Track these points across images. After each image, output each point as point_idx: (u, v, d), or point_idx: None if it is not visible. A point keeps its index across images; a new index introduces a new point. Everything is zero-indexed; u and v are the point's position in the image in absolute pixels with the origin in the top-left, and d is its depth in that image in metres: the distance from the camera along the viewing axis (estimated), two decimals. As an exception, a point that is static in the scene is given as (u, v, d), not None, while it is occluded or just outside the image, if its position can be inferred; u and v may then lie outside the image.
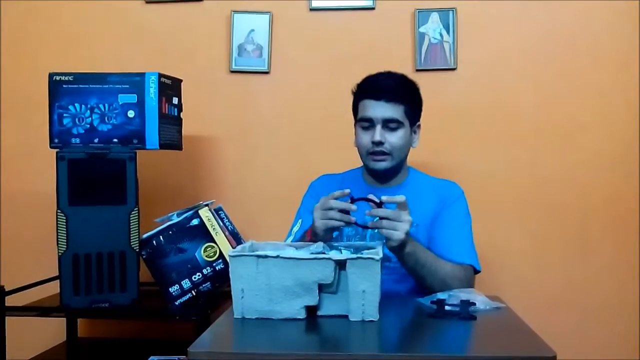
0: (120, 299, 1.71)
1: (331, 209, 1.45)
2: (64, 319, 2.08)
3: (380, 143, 1.63)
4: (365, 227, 1.48)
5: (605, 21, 2.16)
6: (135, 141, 1.75)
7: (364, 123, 1.66)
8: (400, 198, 1.43)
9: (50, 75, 1.76)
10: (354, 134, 1.72)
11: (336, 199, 1.46)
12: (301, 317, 1.27)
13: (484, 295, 1.44)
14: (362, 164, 1.73)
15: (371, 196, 1.45)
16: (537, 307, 2.04)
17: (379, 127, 1.63)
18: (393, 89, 1.65)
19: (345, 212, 1.45)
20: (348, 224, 1.47)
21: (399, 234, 1.41)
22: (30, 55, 2.28)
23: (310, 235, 1.53)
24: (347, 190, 1.47)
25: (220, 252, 1.72)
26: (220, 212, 1.81)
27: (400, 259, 1.51)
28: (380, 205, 1.44)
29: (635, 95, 2.14)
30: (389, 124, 1.63)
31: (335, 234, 1.61)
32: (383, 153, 1.64)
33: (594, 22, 2.16)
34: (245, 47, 2.22)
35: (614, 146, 2.15)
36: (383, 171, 1.67)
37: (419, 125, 1.73)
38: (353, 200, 1.46)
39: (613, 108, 2.16)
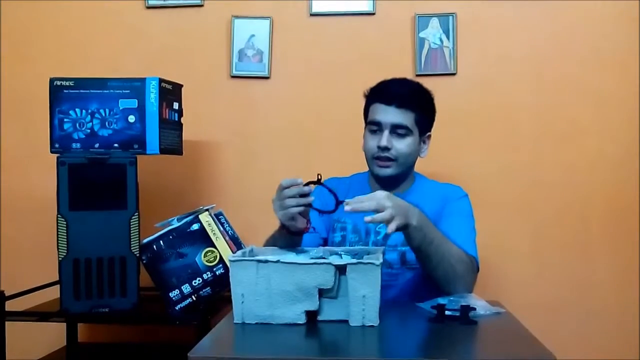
0: (120, 303, 1.71)
1: (286, 197, 1.41)
2: (64, 323, 2.08)
3: (386, 148, 1.62)
4: (323, 212, 1.42)
5: (605, 24, 2.16)
6: (135, 146, 1.76)
7: (373, 127, 1.66)
8: (354, 203, 1.34)
9: (51, 80, 1.76)
10: (361, 138, 1.72)
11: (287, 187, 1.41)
12: (301, 322, 1.27)
13: (484, 300, 1.44)
14: (367, 168, 1.73)
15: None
16: (537, 311, 2.04)
17: (386, 132, 1.62)
18: (405, 96, 1.64)
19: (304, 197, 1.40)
20: (306, 206, 1.40)
21: (392, 225, 1.32)
22: (31, 60, 2.28)
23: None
24: (299, 180, 1.41)
25: (221, 256, 1.72)
26: (220, 216, 1.81)
27: (407, 236, 1.44)
28: (337, 204, 1.39)
29: (635, 98, 2.14)
30: (398, 130, 1.63)
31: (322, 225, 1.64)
32: (388, 159, 1.63)
33: (593, 26, 2.17)
34: (245, 52, 2.23)
35: (614, 149, 2.15)
36: (387, 178, 1.66)
37: (429, 136, 1.72)
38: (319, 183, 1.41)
39: (613, 111, 2.16)
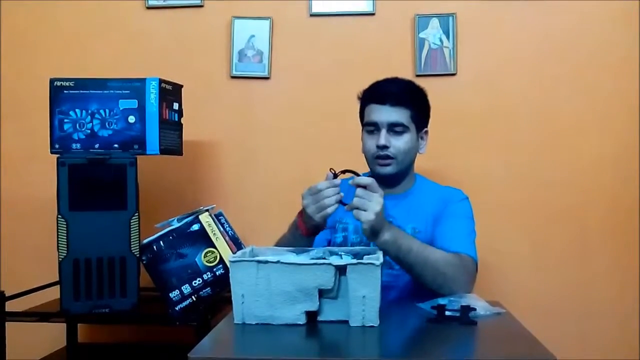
0: (120, 304, 1.71)
1: (324, 198, 1.44)
2: (64, 324, 2.08)
3: (385, 147, 1.63)
4: (344, 204, 1.46)
5: (605, 25, 2.16)
6: (135, 146, 1.76)
7: (370, 127, 1.67)
8: (368, 180, 1.43)
9: (51, 81, 1.76)
10: (360, 140, 1.72)
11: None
12: (301, 323, 1.27)
13: (484, 300, 1.44)
14: (368, 170, 1.73)
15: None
16: (537, 312, 2.04)
17: (384, 132, 1.63)
18: (398, 94, 1.65)
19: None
20: (341, 203, 1.46)
21: (366, 215, 1.39)
22: (31, 60, 2.28)
23: (302, 224, 1.52)
24: (337, 181, 1.46)
25: (221, 257, 1.72)
26: (220, 217, 1.81)
27: (382, 249, 1.45)
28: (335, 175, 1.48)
29: (636, 99, 2.14)
30: (395, 128, 1.64)
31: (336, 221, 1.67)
32: (388, 157, 1.64)
33: (593, 26, 2.17)
34: (245, 52, 2.23)
35: (614, 150, 2.15)
36: (388, 176, 1.66)
37: (426, 131, 1.73)
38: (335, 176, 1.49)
39: (613, 112, 2.16)
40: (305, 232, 1.52)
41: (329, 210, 1.45)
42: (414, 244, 1.48)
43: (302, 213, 1.51)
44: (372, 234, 1.43)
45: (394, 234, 1.46)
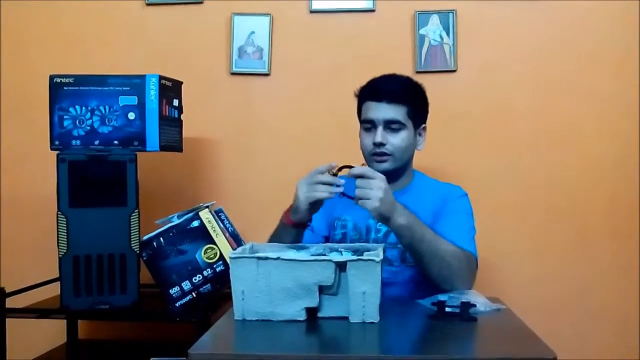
0: (120, 300, 1.71)
1: (317, 183, 1.47)
2: (64, 320, 2.07)
3: (381, 144, 1.63)
4: (350, 198, 1.47)
5: (605, 24, 2.16)
6: (135, 143, 1.76)
7: (367, 125, 1.67)
8: (361, 169, 1.45)
9: (51, 78, 1.76)
10: (358, 137, 1.72)
11: (322, 173, 1.49)
12: (301, 319, 1.27)
13: (485, 297, 1.44)
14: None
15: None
16: (537, 309, 2.04)
17: (380, 129, 1.63)
18: (395, 91, 1.65)
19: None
20: (332, 194, 1.47)
21: (370, 203, 1.41)
22: (31, 57, 2.28)
23: (288, 215, 1.55)
24: (334, 164, 1.48)
25: (221, 253, 1.72)
26: (220, 213, 1.81)
27: (395, 233, 1.49)
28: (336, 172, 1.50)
29: (636, 99, 2.14)
30: (391, 125, 1.64)
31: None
32: (384, 154, 1.64)
33: (593, 25, 2.16)
34: (245, 49, 2.22)
35: (614, 149, 2.15)
36: (386, 172, 1.66)
37: (424, 128, 1.73)
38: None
39: (613, 111, 2.15)
40: (288, 220, 1.54)
41: (318, 195, 1.47)
42: (426, 231, 1.49)
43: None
44: (384, 219, 1.45)
45: (409, 219, 1.46)
